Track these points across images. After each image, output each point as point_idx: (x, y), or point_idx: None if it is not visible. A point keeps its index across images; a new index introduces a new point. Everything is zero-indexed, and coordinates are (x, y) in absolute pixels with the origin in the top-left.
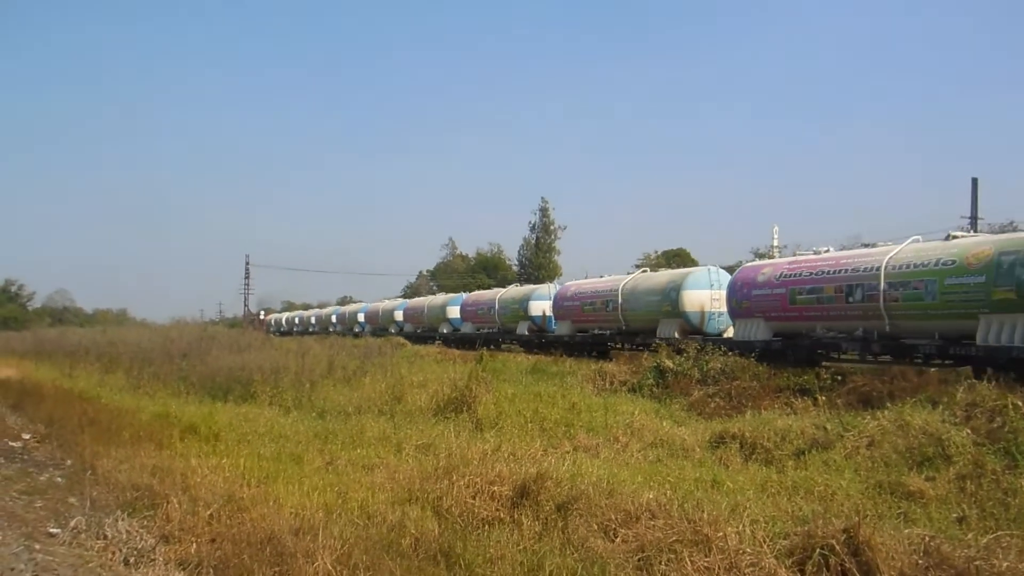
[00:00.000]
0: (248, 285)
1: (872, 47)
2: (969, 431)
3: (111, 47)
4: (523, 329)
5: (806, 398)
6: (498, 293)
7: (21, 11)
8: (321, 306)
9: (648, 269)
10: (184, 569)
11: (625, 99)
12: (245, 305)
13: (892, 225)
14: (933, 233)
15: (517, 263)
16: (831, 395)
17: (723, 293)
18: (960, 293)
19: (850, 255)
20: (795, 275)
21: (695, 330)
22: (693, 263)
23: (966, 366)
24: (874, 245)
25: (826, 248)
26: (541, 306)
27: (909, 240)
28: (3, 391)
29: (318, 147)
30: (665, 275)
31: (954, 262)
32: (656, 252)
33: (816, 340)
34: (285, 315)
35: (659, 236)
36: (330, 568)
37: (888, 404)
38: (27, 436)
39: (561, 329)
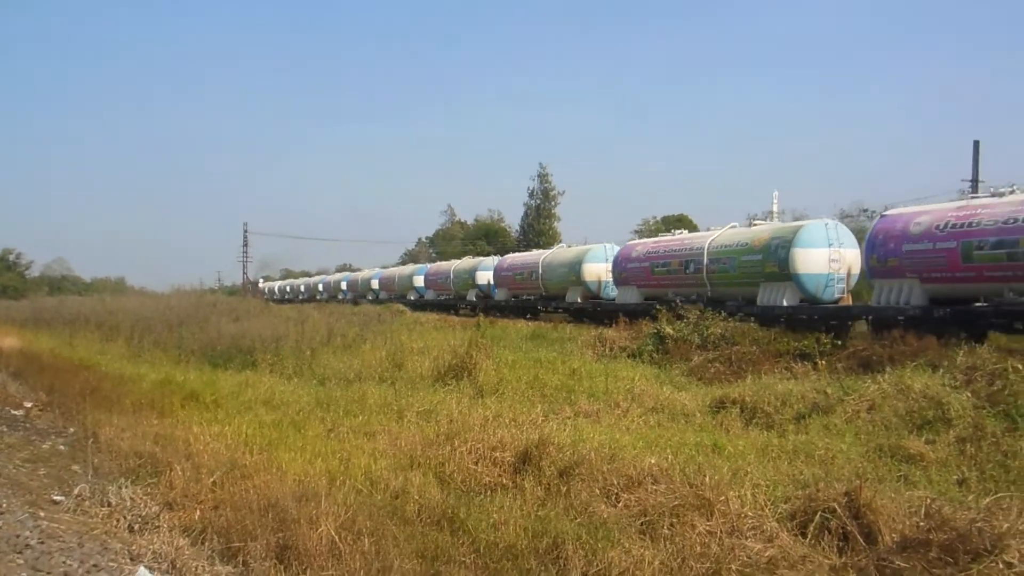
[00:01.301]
0: (247, 253)
1: (874, 9)
2: (969, 394)
3: (110, 12)
4: (472, 296)
5: (806, 363)
6: (453, 264)
7: None
8: (320, 273)
9: (565, 245)
10: (188, 535)
11: (627, 63)
12: (244, 273)
13: (896, 188)
14: (933, 197)
15: (519, 230)
16: (831, 359)
17: (605, 269)
18: (749, 267)
19: (689, 237)
20: (656, 252)
21: (594, 296)
22: (694, 228)
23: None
24: (709, 229)
25: (681, 231)
26: (486, 276)
27: (728, 226)
28: (4, 360)
29: (317, 114)
30: (572, 251)
31: (747, 244)
32: (656, 218)
33: (669, 303)
34: (278, 283)
35: (660, 202)
36: (333, 534)
37: (888, 368)
38: (29, 404)
39: (500, 295)
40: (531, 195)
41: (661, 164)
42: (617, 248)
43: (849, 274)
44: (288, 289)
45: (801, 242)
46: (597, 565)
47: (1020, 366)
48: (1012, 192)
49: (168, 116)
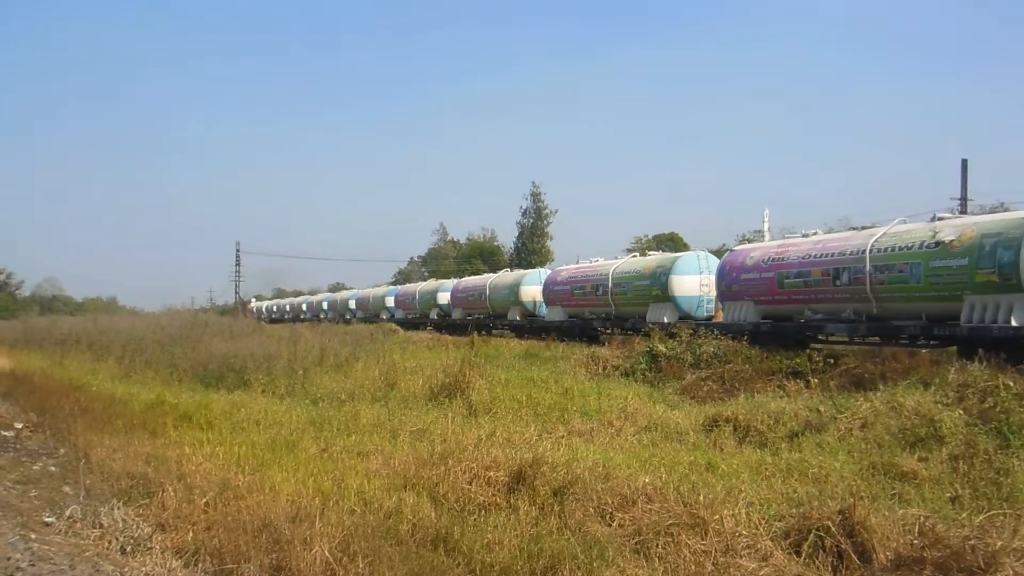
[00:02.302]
0: (239, 272)
1: (866, 27)
2: (961, 411)
3: (101, 34)
4: (434, 314)
5: (798, 381)
6: (419, 286)
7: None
8: (312, 293)
9: (510, 269)
10: (181, 557)
11: (618, 82)
12: (236, 292)
13: (885, 206)
14: (922, 215)
15: (512, 249)
16: (823, 377)
17: (538, 291)
18: (640, 290)
19: (599, 265)
20: (575, 277)
21: (531, 314)
22: (685, 247)
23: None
24: (613, 259)
25: (597, 259)
26: (445, 296)
27: (626, 258)
28: None
29: (307, 136)
30: (513, 275)
31: (640, 271)
32: (647, 236)
33: (585, 320)
34: (265, 303)
35: (652, 220)
36: (328, 555)
37: (880, 386)
38: (19, 425)
39: (456, 314)
40: (524, 214)
41: (655, 182)
42: (548, 273)
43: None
44: (275, 309)
45: (677, 270)
46: None
47: (1011, 383)
48: (815, 234)
49: (160, 133)
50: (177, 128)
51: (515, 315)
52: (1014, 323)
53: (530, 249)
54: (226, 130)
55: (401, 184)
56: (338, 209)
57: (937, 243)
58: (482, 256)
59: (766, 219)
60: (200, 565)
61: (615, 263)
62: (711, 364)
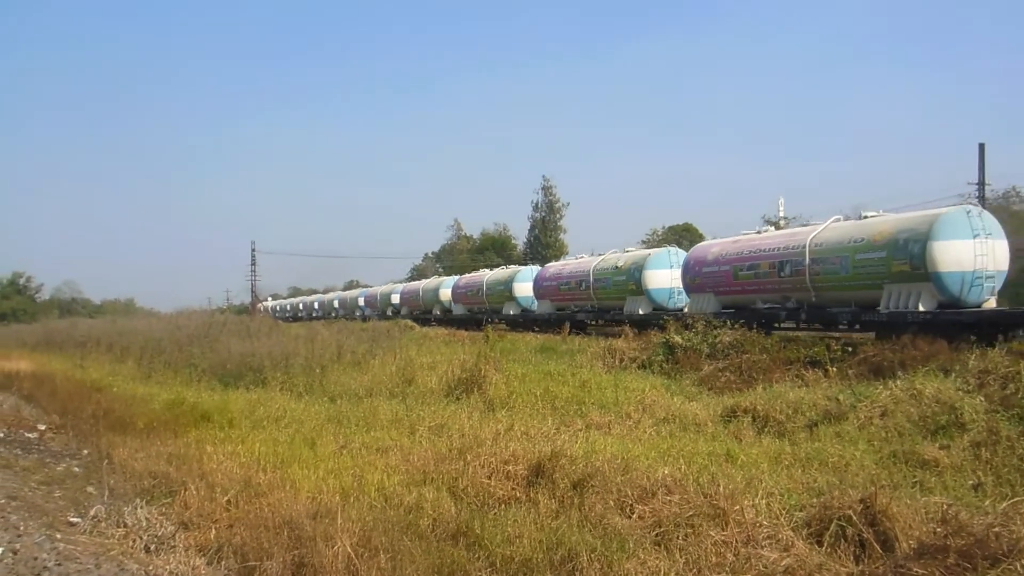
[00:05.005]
0: (254, 272)
1: (881, 13)
2: (982, 398)
3: (119, 34)
4: (388, 311)
5: (817, 370)
6: (379, 289)
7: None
8: (326, 291)
9: (440, 274)
10: (204, 555)
11: (630, 73)
12: (252, 292)
13: (899, 193)
14: (936, 201)
15: (525, 243)
16: (842, 366)
17: (450, 293)
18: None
19: (476, 275)
20: (466, 284)
21: (447, 309)
22: (700, 237)
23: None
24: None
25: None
26: (397, 297)
27: (497, 269)
28: (17, 383)
29: (321, 136)
30: (436, 280)
31: (501, 280)
32: (663, 227)
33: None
34: (272, 303)
35: (668, 210)
36: (350, 551)
37: (900, 373)
38: (42, 427)
39: (403, 311)
40: (536, 208)
41: (669, 173)
42: (448, 280)
43: None
44: (279, 308)
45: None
46: None
47: None
48: (581, 259)
49: (175, 135)
50: (193, 129)
51: (437, 311)
52: (640, 312)
53: (544, 243)
54: (241, 130)
55: (415, 182)
56: (353, 208)
57: (616, 267)
58: (494, 248)
59: (781, 207)
60: (223, 563)
61: (488, 274)
62: (728, 354)
